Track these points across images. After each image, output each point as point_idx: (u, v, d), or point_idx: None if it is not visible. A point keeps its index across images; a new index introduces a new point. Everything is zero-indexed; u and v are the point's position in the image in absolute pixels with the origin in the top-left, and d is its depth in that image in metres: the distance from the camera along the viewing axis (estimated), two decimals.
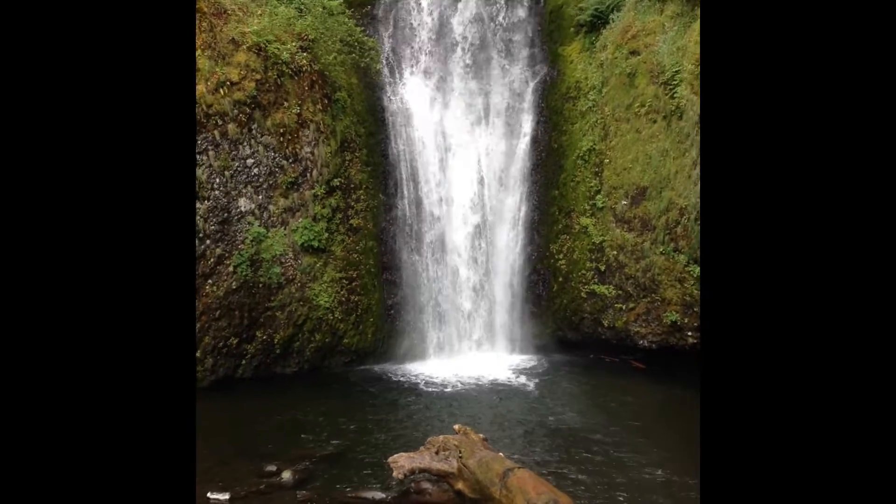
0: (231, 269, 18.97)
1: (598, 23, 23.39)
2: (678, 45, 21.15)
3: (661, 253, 20.63)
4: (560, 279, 23.11)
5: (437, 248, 23.17)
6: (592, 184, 22.50)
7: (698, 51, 20.05)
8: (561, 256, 23.04)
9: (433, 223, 23.17)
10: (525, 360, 22.98)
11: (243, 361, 19.65)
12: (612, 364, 22.61)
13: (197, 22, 19.96)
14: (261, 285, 19.50)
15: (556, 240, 23.20)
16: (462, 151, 23.72)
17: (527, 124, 24.03)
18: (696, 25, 20.76)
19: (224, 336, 19.03)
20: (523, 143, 23.96)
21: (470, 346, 23.35)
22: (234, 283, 18.99)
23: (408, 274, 22.82)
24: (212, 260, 18.71)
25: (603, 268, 21.92)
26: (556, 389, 19.90)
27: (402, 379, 20.92)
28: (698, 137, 19.78)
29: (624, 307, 21.55)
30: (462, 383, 20.45)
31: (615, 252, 21.67)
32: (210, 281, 18.66)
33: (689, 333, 20.33)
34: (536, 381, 20.69)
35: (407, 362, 22.43)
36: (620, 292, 21.61)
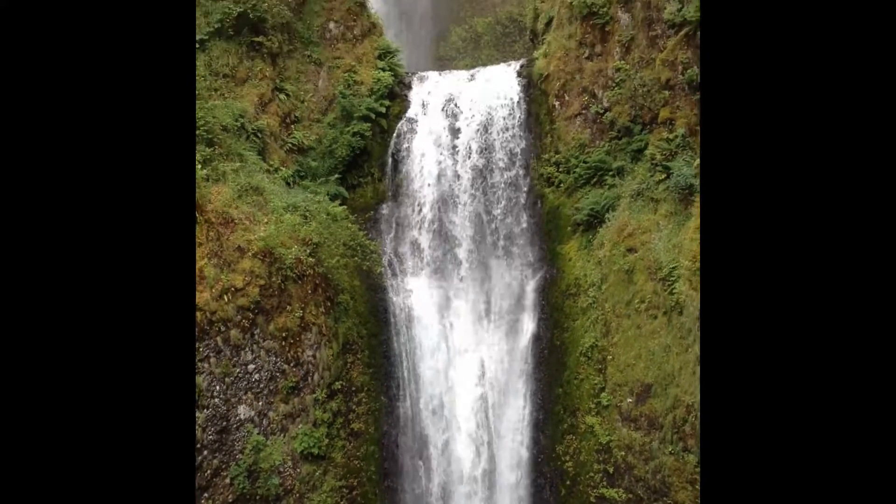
0: (228, 480, 18.47)
1: (594, 222, 23.97)
2: (673, 242, 21.55)
3: (671, 453, 20.07)
4: (567, 483, 22.38)
5: (440, 452, 22.64)
6: (596, 381, 22.27)
7: (694, 248, 20.42)
8: (567, 458, 22.43)
9: (436, 426, 22.79)
10: None
11: None
12: None
13: (204, 232, 20.56)
14: (258, 497, 18.90)
15: (562, 440, 22.67)
16: (464, 351, 23.73)
17: (528, 322, 24.14)
18: (690, 223, 21.25)
19: None
20: (525, 340, 23.97)
21: None
22: (230, 497, 18.42)
23: (410, 481, 22.18)
24: (209, 472, 18.25)
25: (611, 469, 21.28)
26: None
27: None
28: (700, 333, 19.76)
29: None
30: None
31: (623, 453, 21.10)
32: (206, 495, 18.10)
33: None
34: None
35: None
36: (631, 496, 20.85)
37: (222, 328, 19.87)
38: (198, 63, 23.02)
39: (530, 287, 24.46)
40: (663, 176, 22.35)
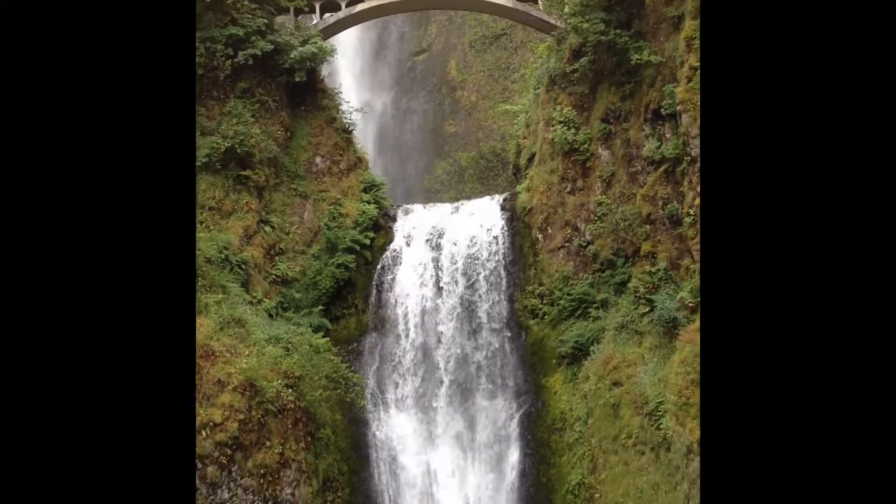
0: None
1: (579, 354, 23.81)
2: (659, 376, 21.36)
3: None
4: None
5: None
6: None
7: (679, 382, 20.23)
8: None
9: None
10: None
11: None
12: None
13: None
14: None
15: None
16: (448, 488, 23.04)
17: (513, 457, 23.60)
18: (675, 357, 21.12)
19: None
20: (510, 477, 23.37)
21: None
22: None
23: None
24: None
25: None
26: None
27: None
28: (688, 470, 19.33)
29: None
30: None
31: None
32: None
33: None
34: None
35: None
36: None
37: (199, 465, 19.26)
38: None
39: (515, 421, 24.03)
40: (647, 309, 22.39)
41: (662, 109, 22.88)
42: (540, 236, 25.81)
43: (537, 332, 25.03)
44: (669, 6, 23.18)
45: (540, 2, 29.56)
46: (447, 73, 44.91)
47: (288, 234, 25.99)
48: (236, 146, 24.68)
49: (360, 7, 30.15)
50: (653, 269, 22.83)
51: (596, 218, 24.83)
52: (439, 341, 24.85)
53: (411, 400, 24.26)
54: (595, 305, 23.99)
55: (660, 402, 20.76)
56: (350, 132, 28.88)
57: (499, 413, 24.26)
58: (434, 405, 24.19)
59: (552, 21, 28.71)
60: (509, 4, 30.15)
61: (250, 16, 26.26)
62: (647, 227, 23.46)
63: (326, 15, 30.03)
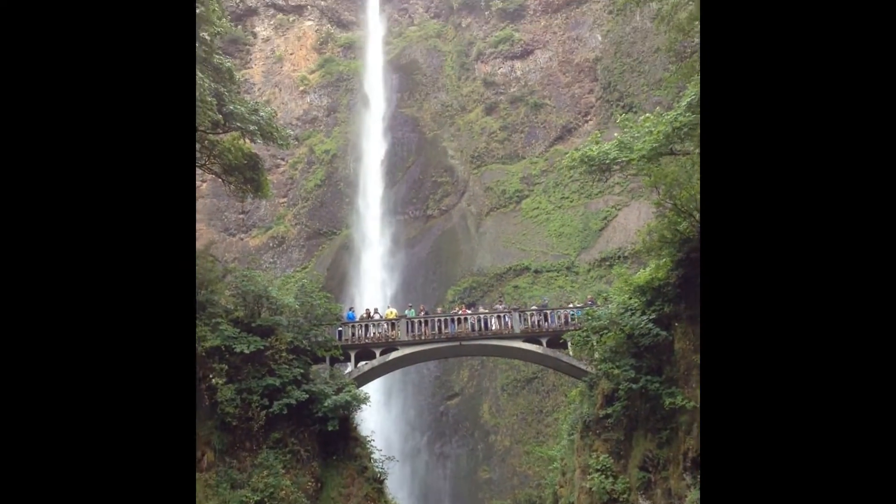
0: None
1: None
2: None
3: None
4: None
5: None
6: None
7: None
8: None
9: None
10: None
11: None
12: None
13: None
14: None
15: None
16: None
17: None
18: None
19: None
20: None
21: None
22: None
23: None
24: None
25: None
26: None
27: None
28: None
29: None
30: None
31: None
32: None
33: None
34: None
35: None
36: None
37: None
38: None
39: None
40: None
41: None
42: None
43: None
44: (698, 354, 23.44)
45: (570, 348, 30.14)
46: (480, 416, 44.86)
47: None
48: (266, 500, 24.06)
49: (394, 355, 30.93)
50: None
51: None
52: None
53: None
54: None
55: None
56: (382, 481, 28.20)
57: None
58: None
59: (582, 367, 29.08)
60: (539, 350, 30.80)
61: (287, 366, 26.90)
62: None
63: (361, 363, 30.69)
